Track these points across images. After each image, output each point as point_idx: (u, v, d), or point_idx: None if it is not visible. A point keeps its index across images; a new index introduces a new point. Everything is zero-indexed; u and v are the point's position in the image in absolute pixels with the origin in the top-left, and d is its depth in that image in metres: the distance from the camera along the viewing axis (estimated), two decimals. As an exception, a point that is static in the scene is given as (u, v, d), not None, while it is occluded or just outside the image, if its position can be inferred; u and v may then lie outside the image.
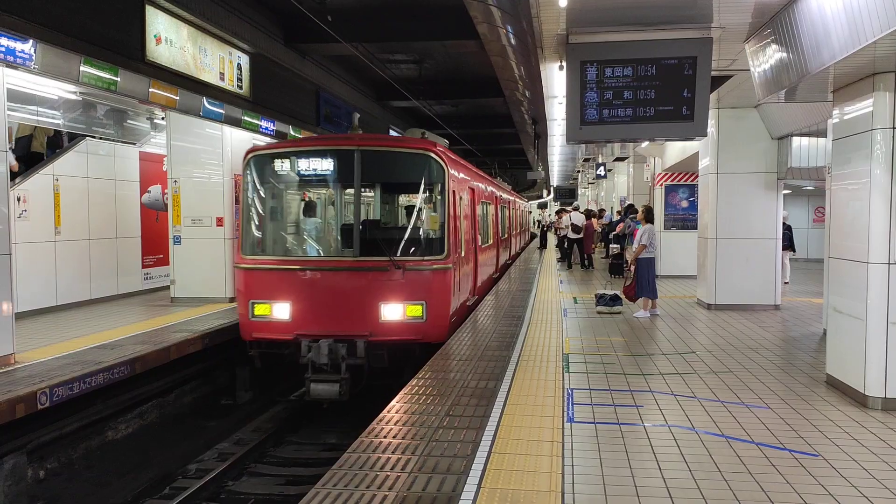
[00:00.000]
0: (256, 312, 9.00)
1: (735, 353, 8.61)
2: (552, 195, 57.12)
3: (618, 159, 24.07)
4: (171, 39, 10.38)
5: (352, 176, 9.18)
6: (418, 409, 5.84)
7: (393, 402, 6.05)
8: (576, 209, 23.16)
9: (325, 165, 9.38)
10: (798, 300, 13.47)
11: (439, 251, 9.07)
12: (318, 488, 4.21)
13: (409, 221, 9.80)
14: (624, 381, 7.20)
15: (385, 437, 5.15)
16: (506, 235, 20.33)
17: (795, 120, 10.99)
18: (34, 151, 12.88)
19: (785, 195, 13.90)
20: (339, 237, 9.96)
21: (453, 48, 15.08)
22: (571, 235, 21.22)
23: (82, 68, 8.49)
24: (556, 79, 11.51)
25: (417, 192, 9.71)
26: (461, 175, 10.99)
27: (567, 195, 46.67)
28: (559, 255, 24.12)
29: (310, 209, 10.42)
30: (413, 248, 9.12)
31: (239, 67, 12.67)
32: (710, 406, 6.36)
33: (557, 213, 28.89)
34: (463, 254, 10.42)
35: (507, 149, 31.96)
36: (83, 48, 8.51)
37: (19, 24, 7.52)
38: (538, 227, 43.43)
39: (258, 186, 9.53)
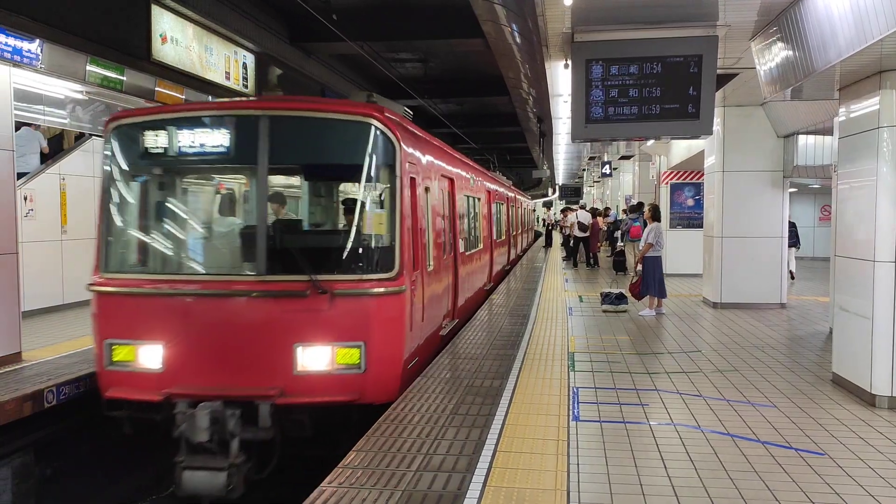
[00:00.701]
0: (115, 358, 6.34)
1: (741, 352, 8.59)
2: (557, 193, 57.23)
3: (623, 157, 24.09)
4: (176, 39, 10.40)
5: (255, 154, 6.32)
6: (423, 408, 5.85)
7: (397, 402, 6.05)
8: (582, 207, 23.13)
9: (218, 139, 6.44)
10: (804, 299, 13.43)
11: (386, 266, 6.32)
12: (325, 486, 4.23)
13: (342, 223, 7.08)
14: (629, 380, 7.19)
15: (390, 435, 5.16)
16: (503, 238, 18.15)
17: (801, 118, 10.96)
18: (65, 150, 13.02)
19: (791, 193, 13.86)
20: (235, 246, 6.76)
21: (458, 47, 15.07)
22: (578, 234, 21.21)
23: (88, 67, 8.54)
24: (561, 77, 11.52)
25: (354, 179, 6.71)
26: (427, 158, 8.20)
27: (572, 193, 46.83)
28: (564, 254, 24.11)
29: (227, 206, 7.38)
30: (347, 263, 6.36)
31: (244, 66, 12.68)
32: (716, 405, 6.36)
33: (563, 211, 28.87)
34: (431, 267, 7.93)
35: (512, 147, 31.92)
36: (89, 47, 8.55)
37: (26, 23, 7.55)
38: (543, 225, 43.41)
39: (123, 171, 6.76)
